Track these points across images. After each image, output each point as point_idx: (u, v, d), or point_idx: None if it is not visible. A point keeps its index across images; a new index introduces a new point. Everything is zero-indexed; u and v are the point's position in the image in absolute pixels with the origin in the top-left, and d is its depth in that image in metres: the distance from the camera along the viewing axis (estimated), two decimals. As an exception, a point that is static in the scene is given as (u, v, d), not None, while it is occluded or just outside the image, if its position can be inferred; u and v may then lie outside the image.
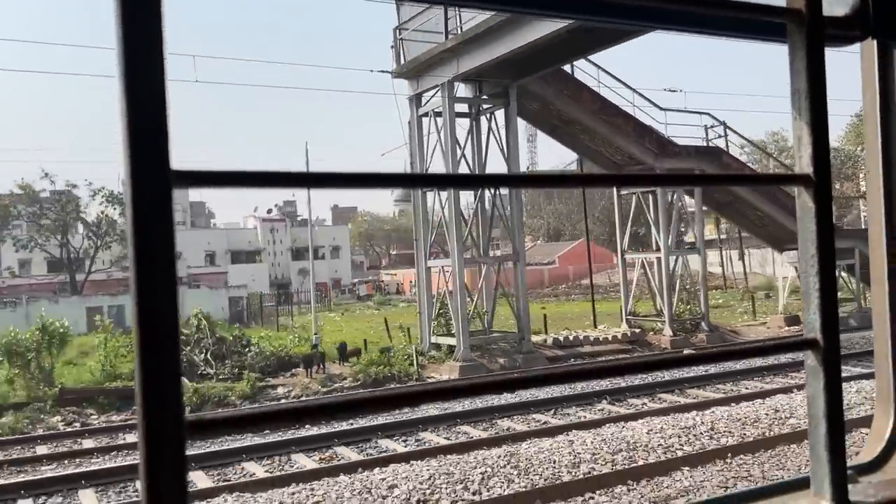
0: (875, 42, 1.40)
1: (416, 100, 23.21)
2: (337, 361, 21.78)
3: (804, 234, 1.21)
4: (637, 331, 24.99)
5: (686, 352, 19.10)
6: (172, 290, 0.74)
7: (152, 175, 0.73)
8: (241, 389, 19.26)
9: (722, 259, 53.07)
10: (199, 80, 21.99)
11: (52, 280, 50.31)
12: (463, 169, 21.96)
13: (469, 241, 22.93)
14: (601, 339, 24.30)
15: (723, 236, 56.99)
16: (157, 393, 0.73)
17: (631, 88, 23.94)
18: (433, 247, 24.19)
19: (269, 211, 76.10)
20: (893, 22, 1.37)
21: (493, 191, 23.14)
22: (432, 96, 22.69)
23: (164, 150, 0.74)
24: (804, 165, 1.20)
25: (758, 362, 17.37)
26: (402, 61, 23.13)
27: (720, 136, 26.85)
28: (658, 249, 25.92)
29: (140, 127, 0.73)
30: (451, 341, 22.09)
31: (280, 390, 20.03)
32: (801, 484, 1.25)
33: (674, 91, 37.44)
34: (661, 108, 24.51)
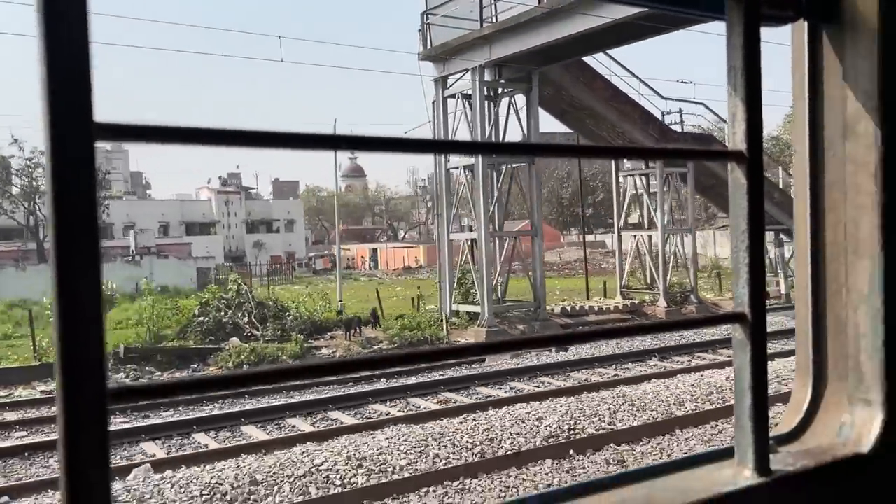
0: (806, 24, 1.41)
1: (442, 82, 24.67)
2: (370, 325, 23.26)
3: (735, 211, 1.22)
4: (635, 302, 27.24)
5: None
6: (94, 251, 0.70)
7: (74, 127, 0.69)
8: (291, 350, 20.57)
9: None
10: (284, 60, 22.89)
11: (17, 248, 49.68)
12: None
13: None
14: (603, 308, 26.46)
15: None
16: (79, 361, 0.69)
17: (638, 78, 26.00)
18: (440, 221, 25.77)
19: (225, 183, 75.87)
20: (823, 4, 1.37)
21: (513, 167, 24.89)
22: (458, 79, 24.20)
23: (87, 100, 0.69)
24: (738, 142, 1.21)
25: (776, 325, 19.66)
26: (429, 45, 24.54)
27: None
28: (650, 228, 28.20)
29: (61, 74, 0.68)
30: (471, 308, 23.84)
31: (325, 351, 21.43)
32: (726, 454, 1.28)
33: (686, 83, 40.50)
34: (662, 97, 26.68)
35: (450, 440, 10.41)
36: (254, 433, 11.93)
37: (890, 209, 1.32)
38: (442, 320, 23.39)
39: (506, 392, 14.30)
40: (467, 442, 10.37)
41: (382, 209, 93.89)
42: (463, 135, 24.06)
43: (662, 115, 28.77)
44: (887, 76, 1.31)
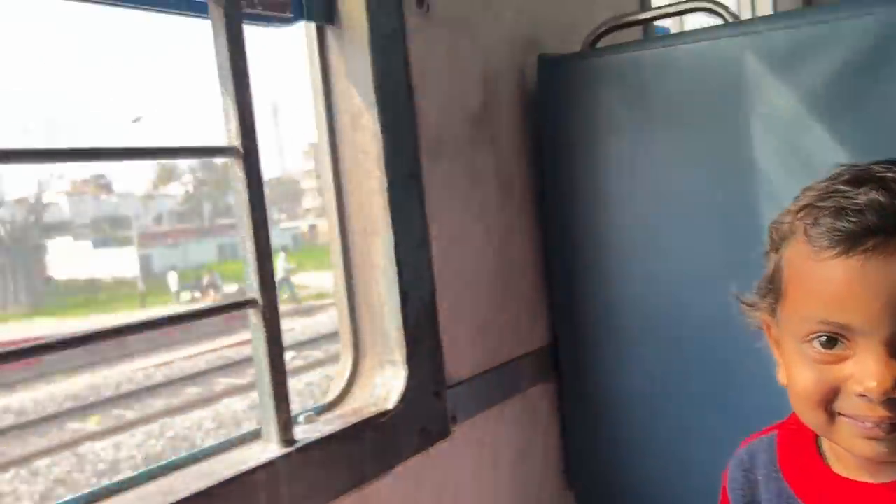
0: (313, 25, 1.49)
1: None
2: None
3: (238, 203, 1.25)
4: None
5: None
6: None
7: None
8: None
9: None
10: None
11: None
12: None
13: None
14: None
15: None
16: None
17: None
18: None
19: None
20: (323, 6, 1.47)
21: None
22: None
23: None
24: (232, 138, 1.23)
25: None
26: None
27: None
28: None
29: None
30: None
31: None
32: (255, 435, 1.32)
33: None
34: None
35: None
36: None
37: (392, 191, 1.48)
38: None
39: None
40: None
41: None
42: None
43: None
44: (380, 72, 1.47)
